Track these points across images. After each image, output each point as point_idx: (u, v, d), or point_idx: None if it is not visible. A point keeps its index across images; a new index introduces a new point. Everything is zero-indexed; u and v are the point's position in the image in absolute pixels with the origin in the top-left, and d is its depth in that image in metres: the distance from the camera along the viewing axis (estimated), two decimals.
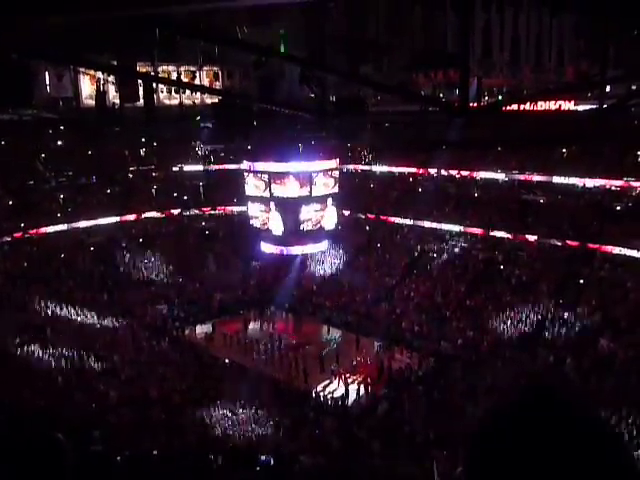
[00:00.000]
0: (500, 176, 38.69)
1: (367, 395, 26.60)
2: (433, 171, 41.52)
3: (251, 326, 35.14)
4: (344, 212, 39.70)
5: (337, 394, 26.44)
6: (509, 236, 35.87)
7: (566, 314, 29.75)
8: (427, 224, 39.59)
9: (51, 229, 38.87)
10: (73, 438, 8.80)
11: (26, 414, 12.27)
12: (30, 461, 2.16)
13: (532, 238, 34.81)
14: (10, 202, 38.88)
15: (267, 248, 30.31)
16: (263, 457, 8.90)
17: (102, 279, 37.87)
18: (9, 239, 36.47)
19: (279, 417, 23.55)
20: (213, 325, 34.73)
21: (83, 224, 40.46)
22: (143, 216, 43.47)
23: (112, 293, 36.64)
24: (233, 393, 25.32)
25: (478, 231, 37.40)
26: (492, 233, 36.63)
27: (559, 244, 33.65)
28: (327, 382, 27.65)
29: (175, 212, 45.23)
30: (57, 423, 12.61)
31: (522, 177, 37.82)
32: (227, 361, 29.71)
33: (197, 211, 45.83)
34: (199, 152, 47.23)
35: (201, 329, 34.77)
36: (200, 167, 47.09)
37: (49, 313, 31.93)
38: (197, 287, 39.68)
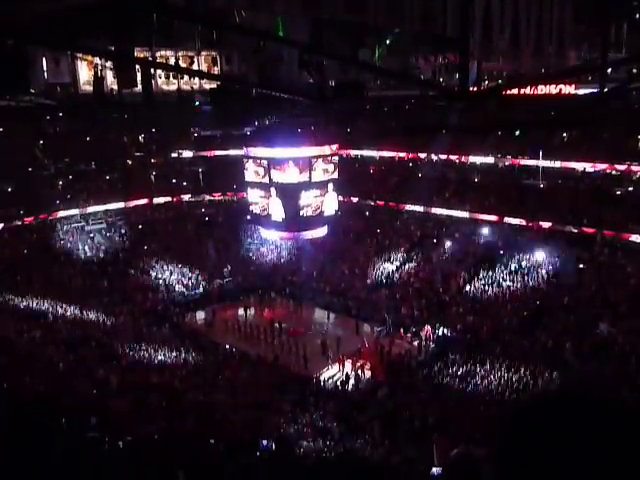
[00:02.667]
0: (490, 159, 38.74)
1: (367, 380, 26.75)
2: (423, 155, 41.56)
3: (250, 312, 35.26)
4: (349, 198, 39.80)
5: (337, 379, 26.56)
6: (509, 221, 35.88)
7: (566, 299, 29.80)
8: (426, 209, 39.61)
9: (51, 216, 38.87)
10: (70, 424, 8.84)
11: (26, 400, 12.31)
12: (20, 445, 2.17)
13: (531, 223, 34.81)
14: (9, 189, 38.77)
15: (267, 234, 30.32)
16: (264, 442, 8.94)
17: (102, 266, 37.89)
18: (9, 226, 36.42)
19: (280, 402, 23.69)
20: (213, 311, 34.84)
21: (82, 211, 40.48)
22: (153, 201, 43.62)
23: (112, 279, 36.69)
24: (233, 378, 25.48)
25: (478, 216, 37.38)
26: (491, 218, 36.63)
27: (559, 228, 33.65)
28: (327, 367, 27.78)
29: (185, 197, 45.20)
30: (57, 409, 12.65)
31: (507, 161, 37.84)
32: (227, 347, 29.82)
33: (208, 196, 45.69)
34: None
35: (201, 315, 34.87)
36: (199, 153, 46.86)
37: (50, 299, 31.96)
38: (197, 273, 39.74)
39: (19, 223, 37.02)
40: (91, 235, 40.25)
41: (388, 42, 37.33)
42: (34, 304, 30.95)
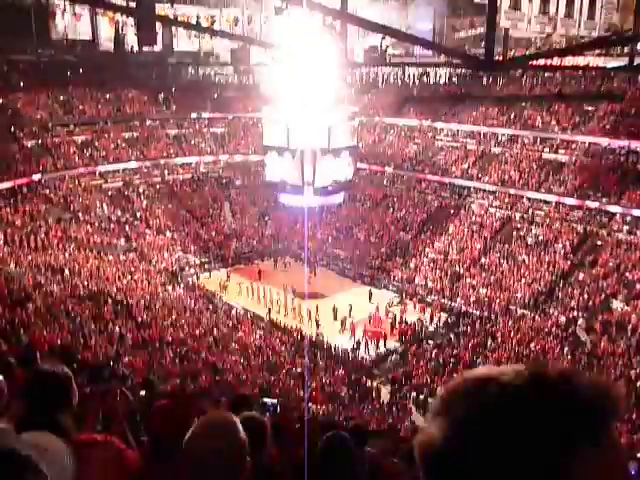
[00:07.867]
0: (511, 131, 38.22)
1: (377, 347, 26.96)
2: (444, 125, 40.87)
3: (265, 275, 35.43)
4: (362, 165, 39.48)
5: (349, 345, 26.76)
6: (527, 194, 35.45)
7: (581, 275, 29.58)
8: (445, 180, 39.24)
9: (69, 172, 39.02)
10: (87, 376, 9.04)
11: (43, 353, 12.57)
12: (38, 393, 2.23)
13: (551, 197, 34.37)
14: (29, 144, 38.89)
15: (284, 199, 30.22)
16: (269, 401, 9.04)
17: (119, 224, 38.09)
18: (28, 181, 36.60)
19: (290, 365, 23.97)
20: (228, 273, 35.07)
21: (101, 168, 40.61)
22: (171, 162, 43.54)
23: (129, 238, 36.92)
24: (245, 339, 25.80)
25: (496, 189, 36.95)
26: (510, 191, 36.20)
27: (578, 204, 33.20)
28: (339, 333, 27.98)
29: (203, 158, 44.97)
30: (73, 362, 12.92)
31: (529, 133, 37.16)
32: (241, 309, 30.10)
33: (226, 158, 45.39)
34: None
35: (216, 277, 35.10)
36: (219, 114, 46.60)
37: (67, 256, 32.29)
38: (212, 235, 39.90)
39: (38, 179, 37.15)
40: (109, 193, 40.34)
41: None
42: (52, 259, 31.28)
